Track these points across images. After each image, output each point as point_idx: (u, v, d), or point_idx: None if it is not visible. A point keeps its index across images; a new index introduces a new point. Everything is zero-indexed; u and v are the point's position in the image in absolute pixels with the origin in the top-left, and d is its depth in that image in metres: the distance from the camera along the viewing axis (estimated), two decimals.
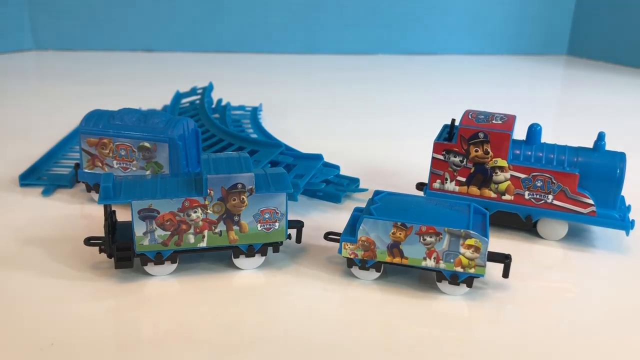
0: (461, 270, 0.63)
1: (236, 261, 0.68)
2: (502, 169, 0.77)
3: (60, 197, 0.87)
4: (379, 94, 1.62)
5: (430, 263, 0.64)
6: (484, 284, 0.67)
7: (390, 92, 1.65)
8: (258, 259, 0.69)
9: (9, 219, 0.80)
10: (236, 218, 0.66)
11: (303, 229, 0.72)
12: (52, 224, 0.78)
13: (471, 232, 0.62)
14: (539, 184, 0.76)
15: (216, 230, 0.66)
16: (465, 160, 0.78)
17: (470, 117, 0.79)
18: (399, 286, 0.66)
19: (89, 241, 0.67)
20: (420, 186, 0.86)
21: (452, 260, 0.63)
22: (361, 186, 0.92)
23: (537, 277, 0.70)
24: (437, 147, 0.79)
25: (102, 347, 0.55)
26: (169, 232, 0.64)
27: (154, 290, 0.64)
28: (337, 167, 0.91)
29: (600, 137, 0.77)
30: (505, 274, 0.65)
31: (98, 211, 0.82)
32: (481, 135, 0.76)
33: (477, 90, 1.72)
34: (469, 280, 0.64)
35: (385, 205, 0.67)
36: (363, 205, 0.72)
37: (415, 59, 2.13)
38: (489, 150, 0.76)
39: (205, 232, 0.65)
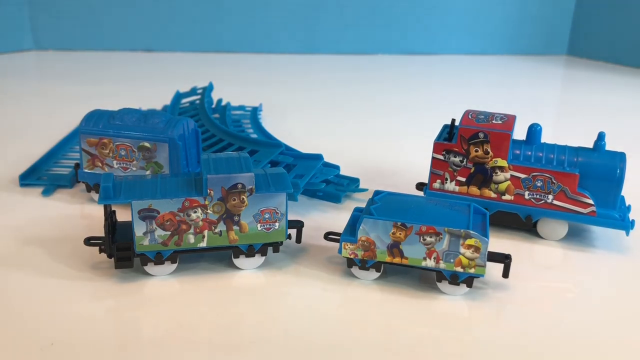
0: (461, 270, 0.63)
1: (236, 261, 0.68)
2: (502, 169, 0.77)
3: (60, 197, 0.87)
4: (379, 94, 1.62)
5: (430, 263, 0.64)
6: (484, 284, 0.67)
7: (390, 92, 1.65)
8: (258, 259, 0.69)
9: (9, 219, 0.80)
10: (236, 218, 0.66)
11: (303, 229, 0.72)
12: (52, 224, 0.78)
13: (471, 232, 0.62)
14: (539, 184, 0.76)
15: (216, 230, 0.66)
16: (465, 160, 0.78)
17: (470, 117, 0.79)
18: (399, 286, 0.66)
19: (89, 241, 0.67)
20: (420, 186, 0.85)
21: (452, 260, 0.63)
22: (361, 186, 0.92)
23: (537, 277, 0.70)
24: (437, 147, 0.79)
25: (102, 347, 0.55)
26: (169, 232, 0.64)
27: (154, 290, 0.64)
28: (337, 167, 0.91)
29: (600, 137, 0.77)
30: (505, 274, 0.65)
31: (98, 211, 0.82)
32: (481, 135, 0.76)
33: (477, 90, 1.72)
34: (469, 280, 0.64)
35: (385, 205, 0.67)
36: (363, 205, 0.72)
37: (415, 59, 2.13)
38: (489, 150, 0.76)
39: (205, 232, 0.65)
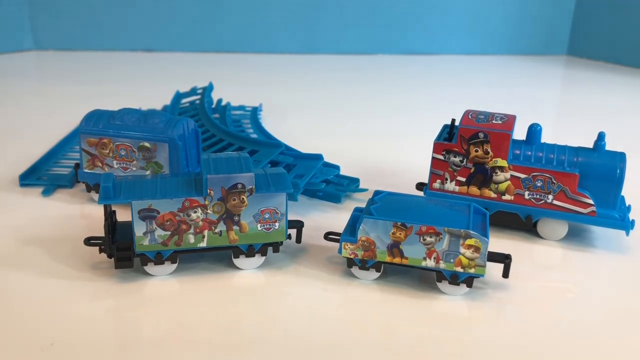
0: (461, 270, 0.63)
1: (236, 261, 0.68)
2: (502, 169, 0.77)
3: (60, 197, 0.87)
4: (379, 94, 1.62)
5: (430, 263, 0.64)
6: (484, 284, 0.67)
7: (390, 92, 1.65)
8: (258, 259, 0.69)
9: (9, 219, 0.80)
10: (236, 218, 0.66)
11: (303, 229, 0.72)
12: (52, 224, 0.78)
13: (471, 232, 0.62)
14: (539, 184, 0.76)
15: (216, 230, 0.66)
16: (465, 160, 0.78)
17: (470, 117, 0.79)
18: (399, 286, 0.66)
19: (89, 241, 0.67)
20: (420, 186, 0.85)
21: (452, 260, 0.63)
22: (361, 186, 0.92)
23: (537, 277, 0.70)
24: (437, 147, 0.79)
25: (102, 347, 0.55)
26: (169, 232, 0.64)
27: (154, 290, 0.64)
28: (337, 167, 0.91)
29: (600, 137, 0.77)
30: (505, 274, 0.65)
31: (98, 211, 0.82)
32: (481, 135, 0.76)
33: (477, 90, 1.72)
34: (469, 280, 0.64)
35: (385, 205, 0.67)
36: (363, 205, 0.72)
37: (415, 59, 2.13)
38: (489, 150, 0.76)
39: (205, 232, 0.65)
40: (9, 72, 1.74)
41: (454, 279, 0.64)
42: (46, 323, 0.58)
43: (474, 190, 0.79)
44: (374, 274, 0.67)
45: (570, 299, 0.66)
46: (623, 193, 0.79)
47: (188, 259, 0.70)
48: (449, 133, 0.81)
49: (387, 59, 2.10)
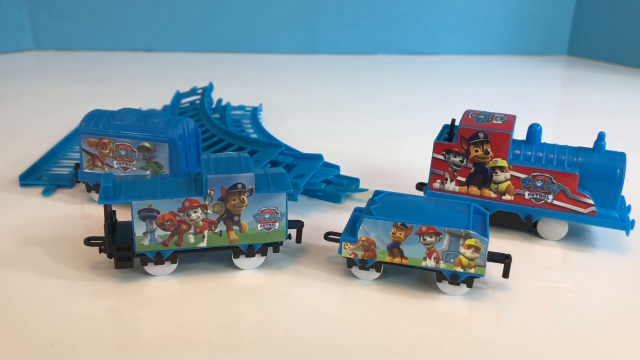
0: (461, 270, 0.63)
1: (236, 261, 0.68)
2: (502, 169, 0.77)
3: (60, 197, 0.87)
4: (379, 94, 1.62)
5: (430, 263, 0.64)
6: (484, 284, 0.67)
7: (390, 92, 1.65)
8: (258, 259, 0.69)
9: (9, 219, 0.80)
10: (236, 218, 0.66)
11: (303, 229, 0.72)
12: (52, 224, 0.78)
13: (471, 232, 0.62)
14: (539, 184, 0.76)
15: (216, 230, 0.66)
16: (465, 160, 0.78)
17: (470, 117, 0.79)
18: (399, 286, 0.66)
19: (89, 241, 0.67)
20: (420, 186, 0.85)
21: (452, 260, 0.63)
22: (361, 186, 0.92)
23: (537, 277, 0.70)
24: (437, 147, 0.79)
25: (102, 347, 0.55)
26: (169, 232, 0.64)
27: (154, 290, 0.64)
28: (337, 167, 0.91)
29: (600, 137, 0.77)
30: (505, 274, 0.65)
31: (98, 211, 0.82)
32: (481, 135, 0.76)
33: (477, 90, 1.72)
34: (469, 280, 0.64)
35: (385, 205, 0.67)
36: (363, 205, 0.72)
37: (415, 59, 2.13)
38: (489, 150, 0.76)
39: (205, 232, 0.65)
40: (9, 72, 1.74)
41: (454, 279, 0.64)
42: (46, 323, 0.58)
43: (474, 190, 0.79)
44: (374, 274, 0.67)
45: (570, 299, 0.66)
46: (623, 193, 0.79)
47: (188, 259, 0.70)
48: (449, 133, 0.81)
49: (387, 59, 2.10)
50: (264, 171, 0.69)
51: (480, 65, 2.05)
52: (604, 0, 2.12)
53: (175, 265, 0.67)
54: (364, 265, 0.66)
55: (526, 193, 0.77)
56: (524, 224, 0.79)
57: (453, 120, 0.81)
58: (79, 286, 0.64)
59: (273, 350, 0.55)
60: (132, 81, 1.66)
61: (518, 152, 0.77)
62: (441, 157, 0.79)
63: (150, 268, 0.66)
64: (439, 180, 0.80)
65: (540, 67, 2.04)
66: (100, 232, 0.73)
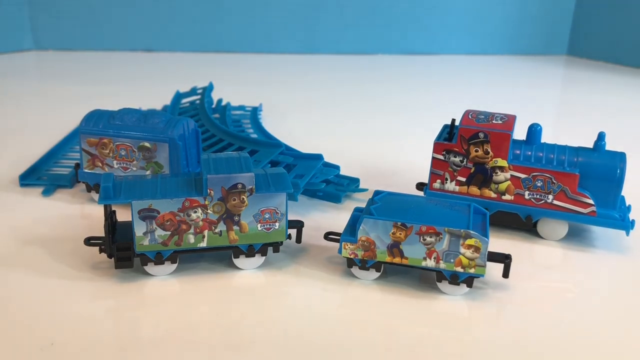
0: (461, 270, 0.63)
1: (236, 261, 0.68)
2: (502, 169, 0.77)
3: (60, 197, 0.87)
4: (379, 94, 1.62)
5: (430, 263, 0.64)
6: (484, 284, 0.67)
7: (390, 92, 1.65)
8: (258, 259, 0.69)
9: (9, 219, 0.80)
10: (236, 218, 0.66)
11: (303, 229, 0.72)
12: (52, 224, 0.78)
13: (471, 232, 0.62)
14: (539, 184, 0.76)
15: (216, 230, 0.66)
16: (465, 160, 0.78)
17: (470, 117, 0.79)
18: (399, 286, 0.66)
19: (89, 241, 0.67)
20: (420, 186, 0.85)
21: (452, 260, 0.63)
22: (361, 186, 0.92)
23: (537, 277, 0.70)
24: (437, 147, 0.79)
25: (102, 347, 0.55)
26: (169, 232, 0.64)
27: (154, 290, 0.64)
28: (337, 167, 0.91)
29: (600, 137, 0.77)
30: (505, 274, 0.65)
31: (98, 211, 0.82)
32: (481, 135, 0.76)
33: (477, 90, 1.72)
34: (469, 280, 0.64)
35: (385, 205, 0.67)
36: (363, 205, 0.72)
37: (415, 59, 2.13)
38: (489, 150, 0.76)
39: (205, 232, 0.65)
40: (9, 72, 1.74)
41: (454, 279, 0.64)
42: (46, 323, 0.58)
43: (474, 190, 0.79)
44: (374, 274, 0.67)
45: (570, 299, 0.66)
46: (623, 193, 0.79)
47: (188, 259, 0.70)
48: (449, 133, 0.81)
49: (387, 59, 2.10)
50: (264, 171, 0.69)
51: (480, 65, 2.05)
52: (604, 0, 2.12)
53: (175, 265, 0.67)
54: (364, 265, 0.66)
55: (526, 193, 0.77)
56: (524, 224, 0.79)
57: (453, 120, 0.81)
58: (79, 286, 0.64)
59: (273, 350, 0.55)
60: (132, 81, 1.66)
61: (518, 152, 0.77)
62: (441, 157, 0.79)
63: (150, 268, 0.66)
64: (439, 180, 0.80)
65: (540, 67, 2.04)
66: (100, 232, 0.73)
